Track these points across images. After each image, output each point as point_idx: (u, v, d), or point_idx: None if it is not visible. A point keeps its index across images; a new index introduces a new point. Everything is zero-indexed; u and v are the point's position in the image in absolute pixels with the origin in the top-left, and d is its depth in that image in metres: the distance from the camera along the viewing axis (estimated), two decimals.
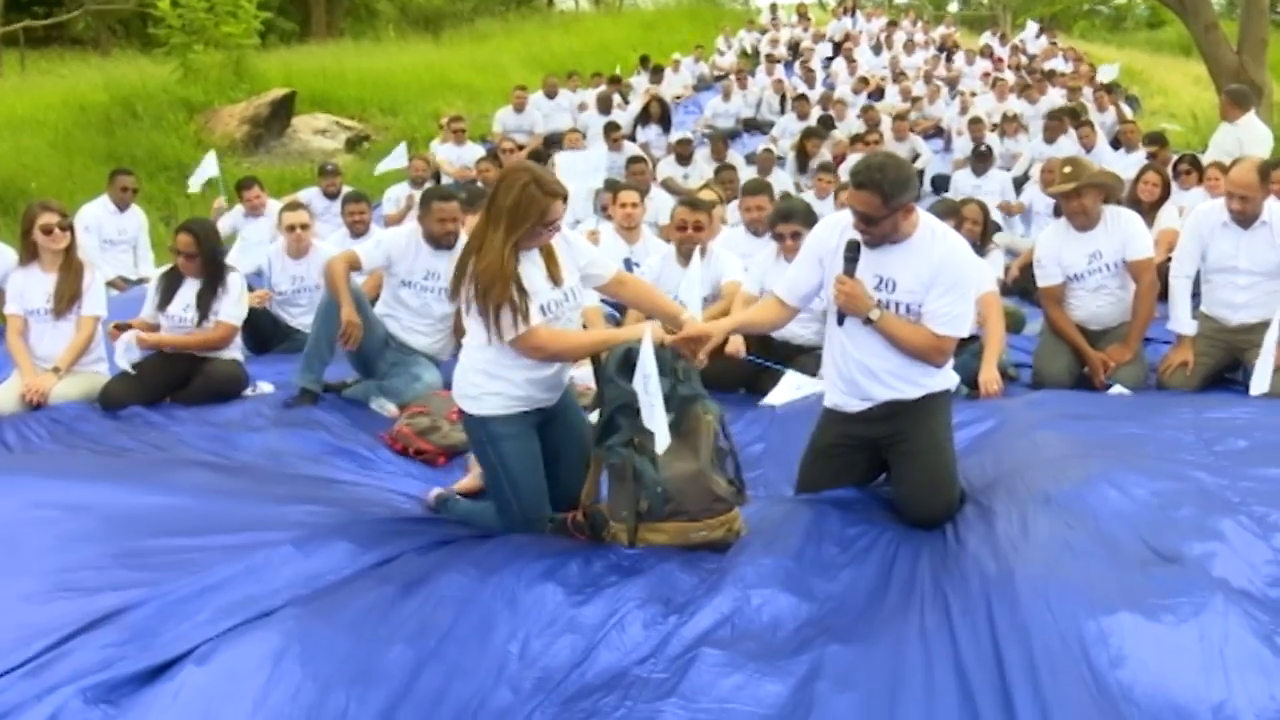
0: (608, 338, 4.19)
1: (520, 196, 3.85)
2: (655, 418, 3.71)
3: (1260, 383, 5.55)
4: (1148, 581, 3.26)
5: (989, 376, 5.88)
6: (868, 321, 4.13)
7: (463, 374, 4.19)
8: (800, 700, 2.91)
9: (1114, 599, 3.10)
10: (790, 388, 5.48)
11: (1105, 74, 19.45)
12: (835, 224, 4.31)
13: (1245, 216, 5.99)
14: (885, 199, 3.94)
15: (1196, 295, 6.38)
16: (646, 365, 3.69)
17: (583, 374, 5.05)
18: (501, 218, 3.87)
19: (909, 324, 4.13)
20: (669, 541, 3.85)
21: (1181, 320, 6.21)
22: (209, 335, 6.35)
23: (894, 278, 4.13)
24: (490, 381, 4.08)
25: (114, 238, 9.98)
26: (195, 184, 12.23)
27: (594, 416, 4.20)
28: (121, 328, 6.25)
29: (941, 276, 4.07)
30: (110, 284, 8.45)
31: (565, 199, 3.98)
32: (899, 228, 4.07)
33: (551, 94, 17.50)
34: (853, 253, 4.13)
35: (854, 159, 13.14)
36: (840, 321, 4.23)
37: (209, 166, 11.94)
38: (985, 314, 6.14)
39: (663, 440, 3.73)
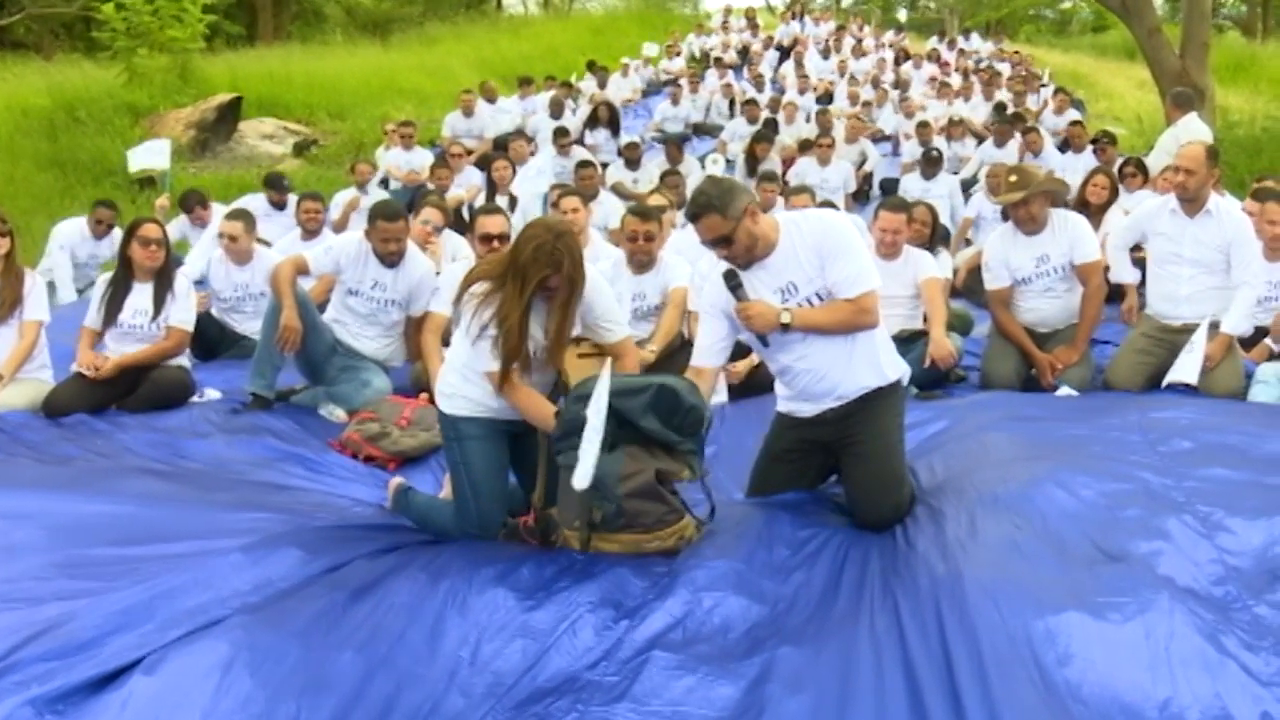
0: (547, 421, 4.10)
1: (533, 255, 3.92)
2: (585, 455, 3.69)
3: (1177, 373, 5.70)
4: (1095, 581, 3.30)
5: (941, 346, 6.09)
6: (786, 329, 4.12)
7: (444, 370, 4.33)
8: (751, 702, 2.92)
9: (1061, 599, 3.13)
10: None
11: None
12: (711, 277, 4.33)
13: (1188, 194, 6.11)
14: (722, 212, 3.97)
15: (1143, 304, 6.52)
16: (600, 404, 3.68)
17: None
18: (516, 271, 3.96)
19: (823, 307, 4.13)
20: (621, 550, 3.85)
21: (1123, 274, 6.49)
22: (164, 345, 6.31)
23: (791, 281, 4.14)
24: (464, 384, 4.18)
25: (85, 261, 9.91)
26: (135, 163, 12.06)
27: None
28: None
29: (824, 248, 4.09)
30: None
31: (561, 271, 3.99)
32: (755, 236, 4.07)
33: (491, 98, 17.45)
34: (733, 279, 4.14)
35: (802, 163, 13.27)
36: (765, 344, 4.23)
37: (158, 154, 11.74)
38: (928, 295, 6.20)
39: (581, 480, 3.70)
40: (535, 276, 3.92)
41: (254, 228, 7.78)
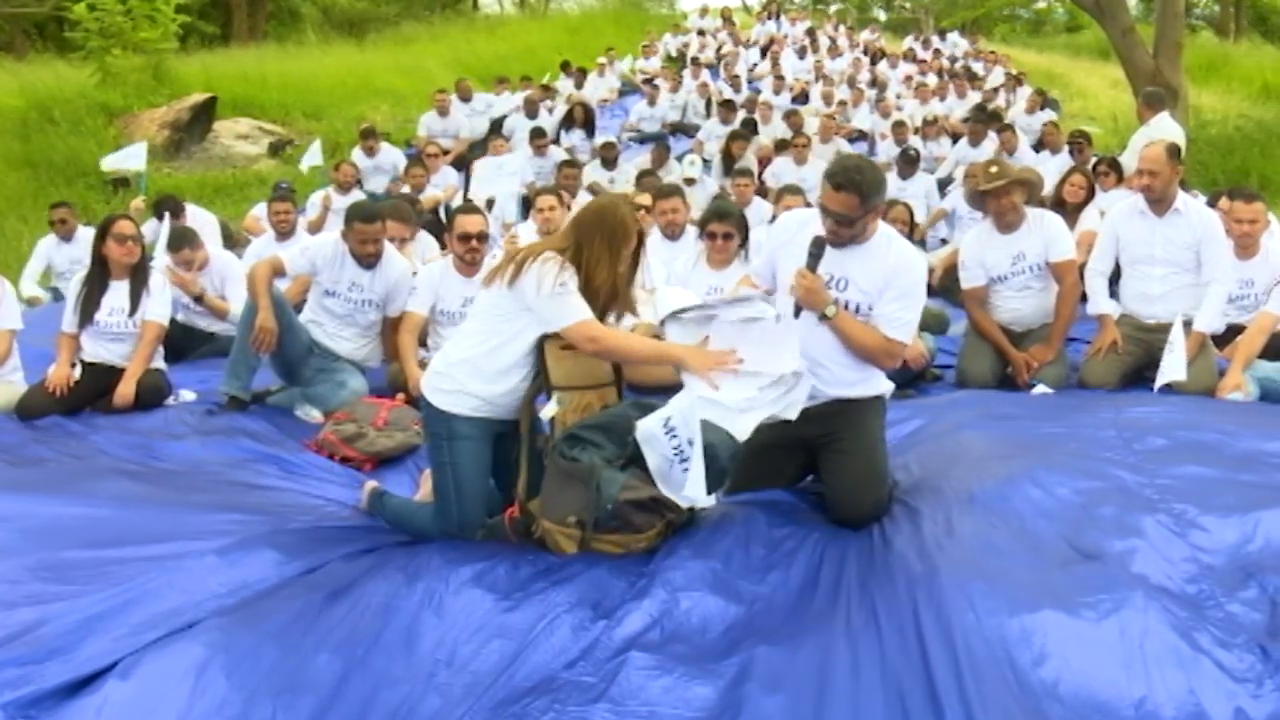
0: (667, 354, 4.15)
1: (628, 216, 4.15)
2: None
3: (1166, 375, 5.67)
4: (1070, 579, 3.31)
5: (912, 346, 6.05)
6: (823, 318, 4.16)
7: (444, 367, 4.19)
8: (729, 702, 2.92)
9: (1037, 597, 3.14)
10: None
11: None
12: (797, 220, 4.40)
13: (1155, 194, 6.17)
14: (863, 199, 4.02)
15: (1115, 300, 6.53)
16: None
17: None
18: (608, 231, 4.09)
19: (862, 324, 4.18)
20: (612, 550, 3.85)
21: (1101, 304, 6.38)
22: (145, 346, 6.28)
23: (847, 277, 4.20)
24: (472, 381, 4.09)
25: (66, 269, 9.81)
26: (111, 163, 12.08)
27: (550, 408, 4.15)
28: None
29: (895, 281, 4.15)
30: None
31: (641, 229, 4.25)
32: (866, 232, 4.16)
33: (466, 97, 17.39)
34: (817, 249, 4.17)
35: (779, 163, 13.28)
36: (796, 314, 4.26)
37: (134, 157, 11.72)
38: None
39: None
40: (633, 235, 4.14)
41: (202, 241, 7.73)
